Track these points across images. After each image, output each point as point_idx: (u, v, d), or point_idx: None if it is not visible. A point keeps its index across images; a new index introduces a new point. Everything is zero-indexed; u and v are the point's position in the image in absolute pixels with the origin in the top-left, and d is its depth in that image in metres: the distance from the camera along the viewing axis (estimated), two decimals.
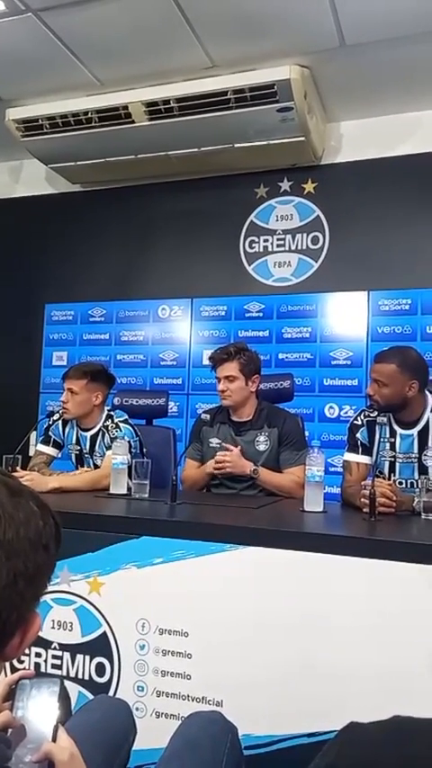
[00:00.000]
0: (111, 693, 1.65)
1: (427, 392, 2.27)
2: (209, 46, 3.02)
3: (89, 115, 3.42)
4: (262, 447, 2.53)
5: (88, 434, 2.66)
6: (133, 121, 3.38)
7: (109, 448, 2.52)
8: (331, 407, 3.61)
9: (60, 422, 2.72)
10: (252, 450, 2.53)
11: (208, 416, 2.55)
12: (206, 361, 2.92)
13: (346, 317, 3.64)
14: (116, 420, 2.62)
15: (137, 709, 1.60)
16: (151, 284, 4.03)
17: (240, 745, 1.18)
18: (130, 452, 2.49)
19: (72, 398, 2.58)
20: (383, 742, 0.50)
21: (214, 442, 2.58)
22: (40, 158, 3.85)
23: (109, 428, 2.60)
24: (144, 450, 2.64)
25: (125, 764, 1.19)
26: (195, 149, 3.55)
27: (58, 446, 2.74)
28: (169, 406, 3.08)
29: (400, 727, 0.51)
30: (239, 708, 1.48)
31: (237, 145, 3.49)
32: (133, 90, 3.33)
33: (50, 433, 2.74)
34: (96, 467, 2.60)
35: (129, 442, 2.44)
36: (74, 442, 2.71)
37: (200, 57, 3.09)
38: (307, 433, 2.97)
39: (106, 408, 2.69)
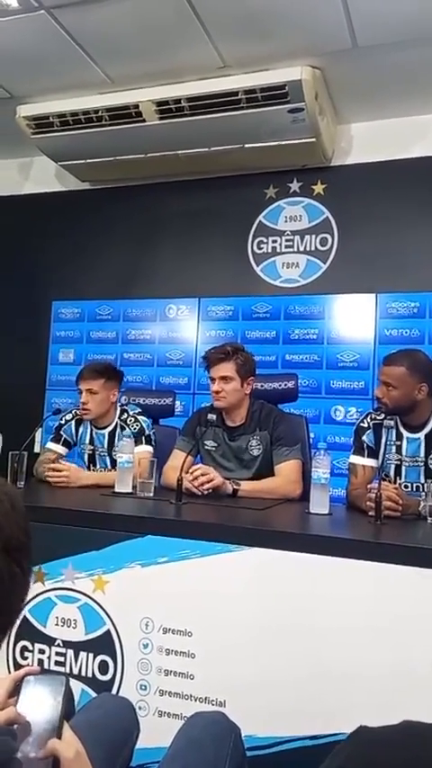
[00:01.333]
0: (114, 691, 1.66)
1: None
2: (220, 45, 3.02)
3: (100, 113, 3.42)
4: (255, 452, 2.48)
5: (105, 431, 2.68)
6: (144, 120, 3.38)
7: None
8: (337, 410, 3.60)
9: (74, 422, 2.74)
10: (246, 456, 2.49)
11: (214, 417, 2.48)
12: None
13: (354, 319, 3.63)
14: (132, 413, 2.65)
15: (140, 707, 1.61)
16: (159, 283, 4.03)
17: (243, 745, 1.18)
18: (153, 444, 2.56)
19: (92, 399, 2.61)
20: (393, 746, 0.50)
21: (209, 444, 2.55)
22: (50, 156, 3.85)
23: (127, 422, 2.63)
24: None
25: (128, 762, 1.19)
26: (205, 149, 3.55)
27: (68, 445, 2.76)
28: (175, 406, 3.09)
29: (411, 731, 0.51)
30: (242, 708, 1.48)
31: (247, 145, 3.48)
32: (144, 89, 3.33)
33: (62, 432, 2.75)
34: (115, 463, 2.60)
35: (150, 434, 2.58)
36: (87, 441, 2.73)
37: (211, 56, 3.08)
38: (312, 435, 2.97)
39: (118, 405, 2.71)
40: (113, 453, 2.65)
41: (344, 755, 0.50)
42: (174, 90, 3.27)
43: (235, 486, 2.28)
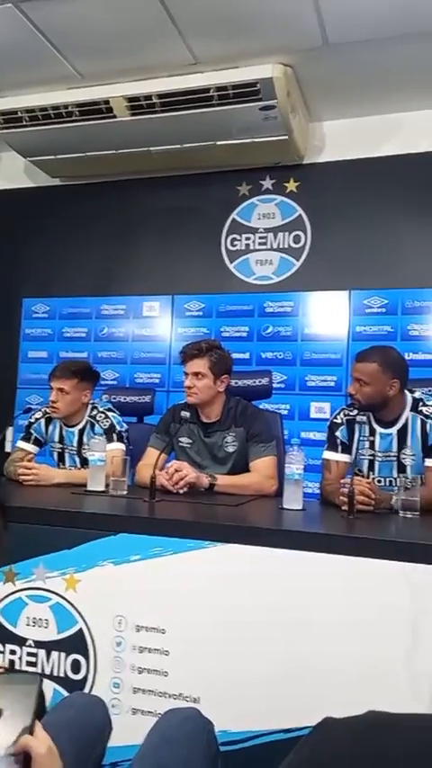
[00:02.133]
0: (87, 690, 1.64)
1: (406, 391, 2.29)
2: (192, 42, 3.01)
3: (69, 109, 3.38)
4: (230, 448, 2.48)
5: (75, 429, 2.66)
6: (114, 116, 3.35)
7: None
8: (311, 406, 3.62)
9: (43, 420, 2.71)
10: (221, 453, 2.49)
11: (188, 414, 2.48)
12: None
13: (328, 316, 3.65)
14: (102, 409, 2.63)
15: (113, 706, 1.59)
16: (132, 281, 4.01)
17: (217, 741, 1.18)
18: (125, 441, 2.54)
19: (62, 398, 2.58)
20: (358, 737, 0.50)
21: (184, 441, 2.54)
22: (19, 151, 3.80)
23: (97, 418, 2.60)
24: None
25: (100, 760, 1.18)
26: (177, 146, 3.54)
27: (39, 443, 2.73)
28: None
29: (375, 722, 0.51)
30: (216, 704, 1.48)
31: (219, 142, 3.48)
32: (115, 84, 3.30)
33: (32, 430, 2.72)
34: (85, 461, 2.58)
35: (121, 432, 2.56)
36: (56, 440, 2.70)
37: (183, 53, 3.07)
38: (286, 432, 2.98)
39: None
40: (83, 451, 2.62)
41: (309, 747, 0.50)
42: (145, 86, 3.25)
43: (212, 481, 2.28)
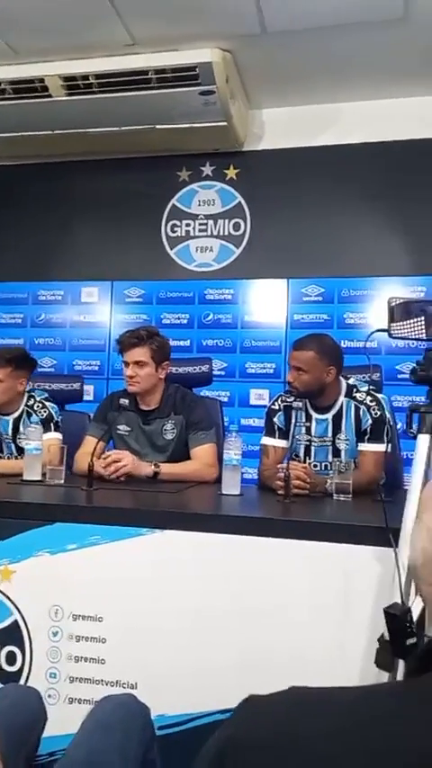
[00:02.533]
0: (22, 682, 1.62)
1: (341, 378, 2.35)
2: (129, 22, 2.95)
3: (2, 86, 3.26)
4: (169, 435, 2.48)
5: (10, 418, 2.59)
6: (50, 95, 3.26)
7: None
8: (251, 393, 3.66)
9: None
10: (160, 440, 2.49)
11: (126, 402, 2.46)
12: None
13: (267, 304, 3.69)
14: (39, 399, 2.58)
15: (49, 696, 1.58)
16: (70, 266, 3.93)
17: (153, 725, 1.19)
18: (61, 431, 2.52)
19: None
20: (279, 712, 0.51)
21: (122, 429, 2.52)
22: None
23: (34, 407, 2.55)
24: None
25: (35, 751, 1.17)
26: (116, 128, 3.47)
27: None
28: (85, 391, 3.03)
29: (296, 697, 0.53)
30: (154, 689, 1.49)
31: (159, 126, 3.44)
32: (50, 63, 3.20)
33: None
34: (20, 450, 2.52)
35: (58, 421, 2.53)
36: None
37: (120, 33, 3.01)
38: (227, 419, 3.00)
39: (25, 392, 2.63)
40: (18, 440, 2.57)
41: (233, 726, 0.51)
42: (81, 65, 3.17)
43: (155, 470, 2.28)
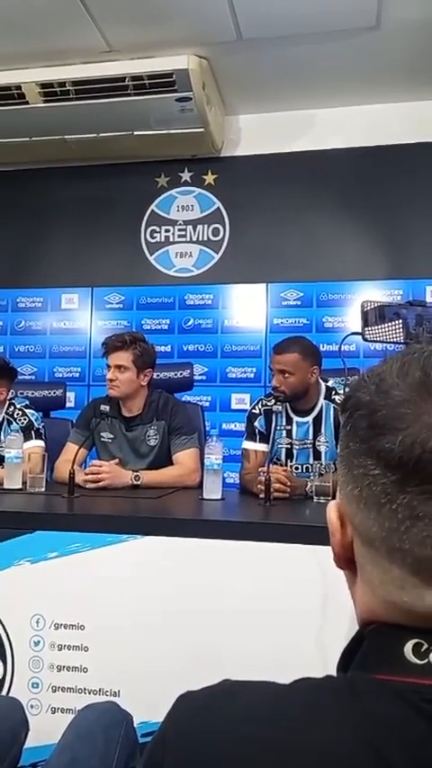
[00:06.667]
0: (4, 692, 1.61)
1: (320, 380, 2.37)
2: (105, 29, 2.95)
3: None
4: (152, 442, 2.47)
5: None
6: (27, 102, 3.25)
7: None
8: (232, 397, 3.67)
9: None
10: (143, 447, 2.48)
11: (107, 408, 2.46)
12: None
13: (246, 308, 3.71)
14: (19, 406, 2.56)
15: (31, 706, 1.57)
16: (50, 272, 3.91)
17: (136, 732, 1.19)
18: (43, 438, 2.50)
19: None
20: (210, 706, 0.51)
21: (105, 436, 2.51)
22: None
23: (14, 415, 2.53)
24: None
25: (17, 762, 1.16)
26: (93, 135, 3.47)
27: None
28: (67, 398, 3.02)
29: (228, 690, 0.53)
30: (136, 696, 1.49)
31: (136, 132, 3.44)
32: (27, 69, 3.20)
33: None
34: (2, 458, 2.50)
35: (39, 428, 2.51)
36: None
37: (96, 40, 3.01)
38: (208, 423, 3.01)
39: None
40: None
41: (167, 723, 0.52)
42: (58, 72, 3.17)
43: (135, 482, 2.27)
